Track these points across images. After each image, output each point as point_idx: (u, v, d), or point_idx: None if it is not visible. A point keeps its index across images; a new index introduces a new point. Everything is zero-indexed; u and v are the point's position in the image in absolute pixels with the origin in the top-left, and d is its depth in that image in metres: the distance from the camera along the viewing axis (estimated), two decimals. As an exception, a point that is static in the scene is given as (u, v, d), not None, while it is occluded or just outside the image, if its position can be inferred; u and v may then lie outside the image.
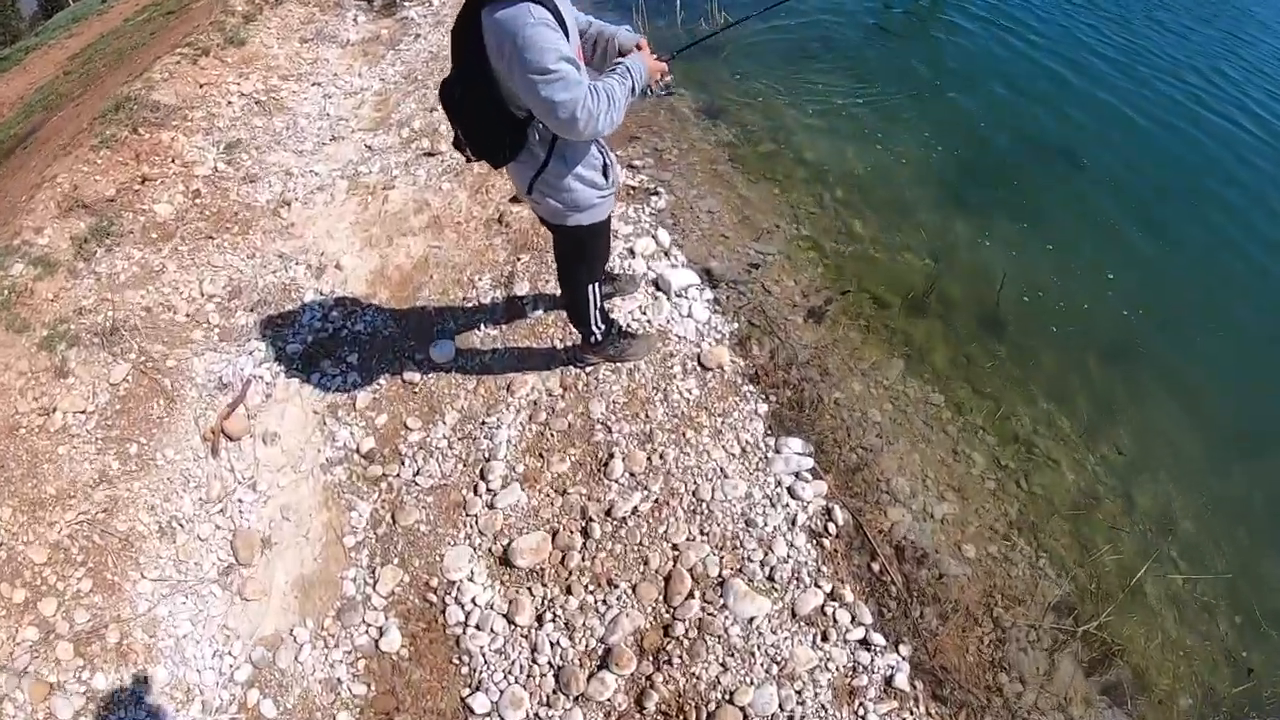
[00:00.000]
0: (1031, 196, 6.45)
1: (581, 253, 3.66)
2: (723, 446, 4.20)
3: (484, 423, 4.39)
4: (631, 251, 5.18)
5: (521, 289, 5.01)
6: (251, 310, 5.10)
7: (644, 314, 4.78)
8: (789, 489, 4.02)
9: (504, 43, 2.49)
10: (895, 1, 9.77)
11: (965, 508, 4.22)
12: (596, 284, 3.90)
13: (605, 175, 3.21)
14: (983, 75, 8.04)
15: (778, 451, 4.18)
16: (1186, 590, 4.05)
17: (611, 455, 4.15)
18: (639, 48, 3.02)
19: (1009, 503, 4.29)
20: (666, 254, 5.24)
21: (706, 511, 3.93)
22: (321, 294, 5.19)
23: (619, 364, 4.47)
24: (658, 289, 4.94)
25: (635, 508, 3.94)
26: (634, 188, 5.85)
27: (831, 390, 4.62)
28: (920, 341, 5.09)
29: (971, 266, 5.71)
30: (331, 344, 4.90)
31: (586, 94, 2.57)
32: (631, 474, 4.07)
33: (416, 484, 4.19)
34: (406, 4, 9.09)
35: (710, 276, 5.12)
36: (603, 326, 4.09)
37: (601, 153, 3.18)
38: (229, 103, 6.91)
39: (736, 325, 4.84)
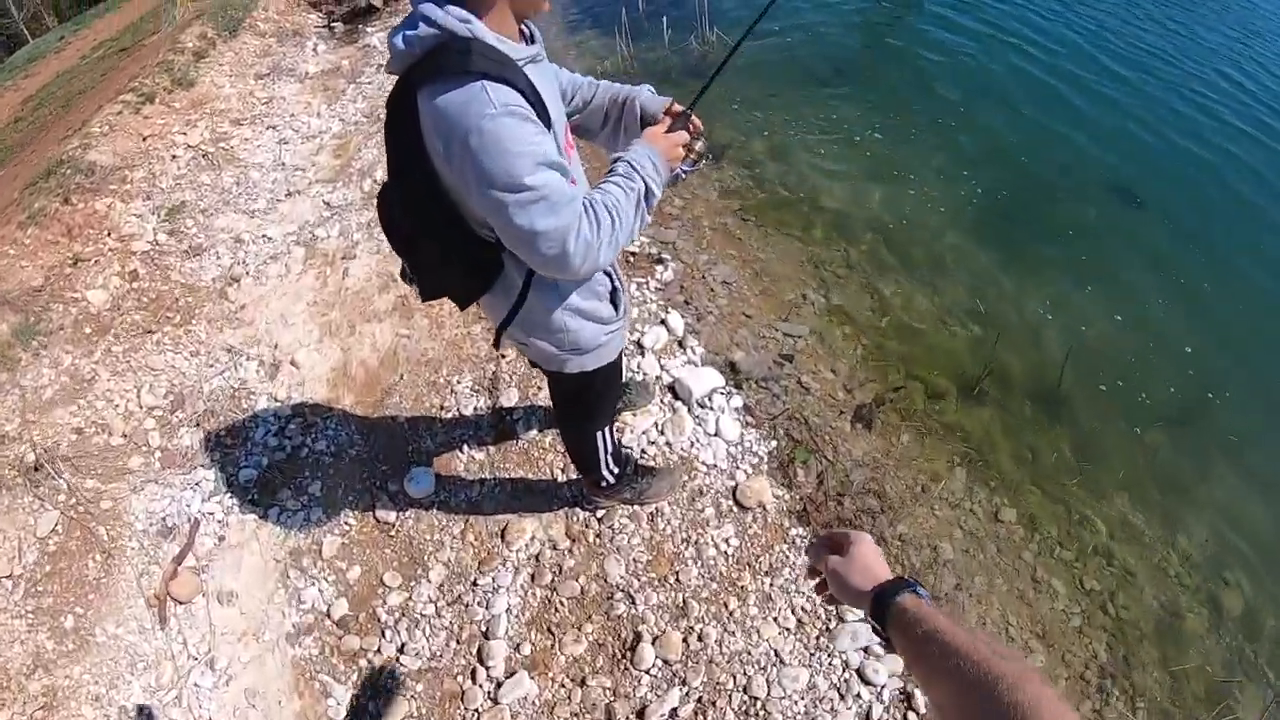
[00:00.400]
0: (1085, 243, 5.82)
1: (586, 402, 2.82)
2: (774, 619, 3.44)
3: (476, 583, 3.61)
4: (640, 346, 4.41)
5: (509, 398, 4.23)
6: (197, 425, 4.29)
7: (662, 434, 4.01)
8: (858, 671, 3.28)
9: (451, 143, 1.66)
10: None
11: (1052, 656, 3.65)
12: (607, 428, 3.09)
13: (614, 303, 2.37)
14: (1008, 93, 7.44)
15: (841, 620, 3.42)
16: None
17: (638, 636, 3.37)
18: (668, 114, 2.16)
19: (1096, 639, 3.77)
20: (681, 345, 4.47)
21: (762, 714, 3.18)
22: (276, 400, 4.39)
23: (638, 506, 3.69)
24: (675, 397, 4.17)
25: (674, 710, 3.17)
26: (634, 254, 5.07)
27: (894, 523, 3.90)
28: (979, 438, 4.45)
29: (1026, 336, 5.08)
30: (290, 468, 4.10)
31: (580, 217, 1.77)
32: (665, 661, 3.30)
33: (402, 664, 3.42)
34: (368, 30, 8.34)
35: (735, 372, 4.37)
36: (615, 470, 3.29)
37: (608, 274, 2.34)
38: (173, 157, 6.09)
39: (775, 443, 4.08)
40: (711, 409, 4.12)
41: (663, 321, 4.58)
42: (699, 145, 2.17)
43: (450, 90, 1.61)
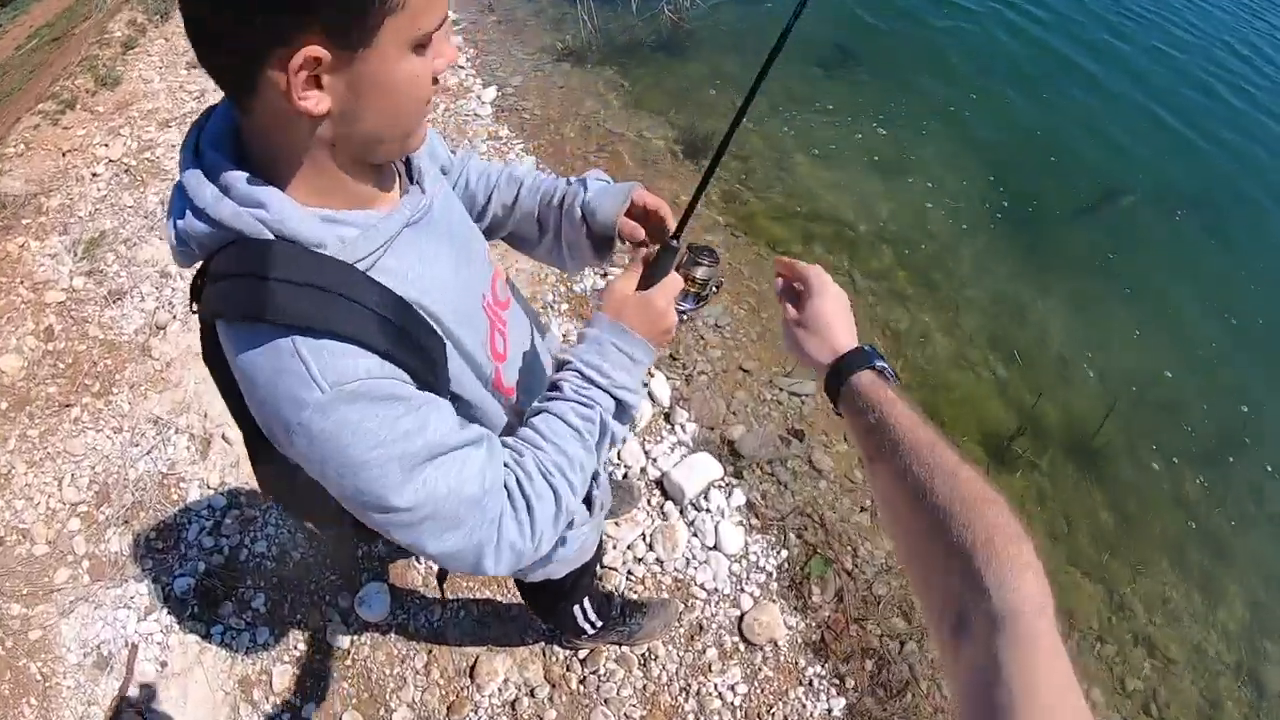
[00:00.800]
0: (1126, 261, 5.29)
1: (558, 591, 2.18)
2: (796, 795, 2.92)
3: (447, 737, 3.06)
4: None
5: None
6: (125, 523, 3.63)
7: (651, 549, 3.41)
8: None
9: (274, 431, 1.00)
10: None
11: None
12: (586, 599, 2.47)
13: (590, 500, 1.68)
14: (1032, 74, 6.79)
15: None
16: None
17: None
18: (643, 229, 1.45)
19: None
20: (669, 419, 3.84)
21: None
22: (209, 487, 3.74)
23: (626, 648, 3.14)
24: (665, 496, 3.56)
25: None
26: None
27: (925, 648, 3.35)
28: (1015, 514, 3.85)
29: (1061, 379, 4.57)
30: (230, 575, 3.47)
31: (499, 520, 1.11)
32: None
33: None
34: None
35: (735, 456, 3.75)
36: (598, 624, 2.68)
37: None
38: (93, 176, 5.29)
39: (785, 553, 3.50)
40: (709, 511, 3.52)
41: (645, 386, 3.93)
42: (700, 271, 1.38)
43: (248, 350, 0.95)
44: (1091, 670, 3.57)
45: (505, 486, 1.12)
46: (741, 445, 3.77)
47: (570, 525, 1.64)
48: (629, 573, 3.34)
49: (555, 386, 1.23)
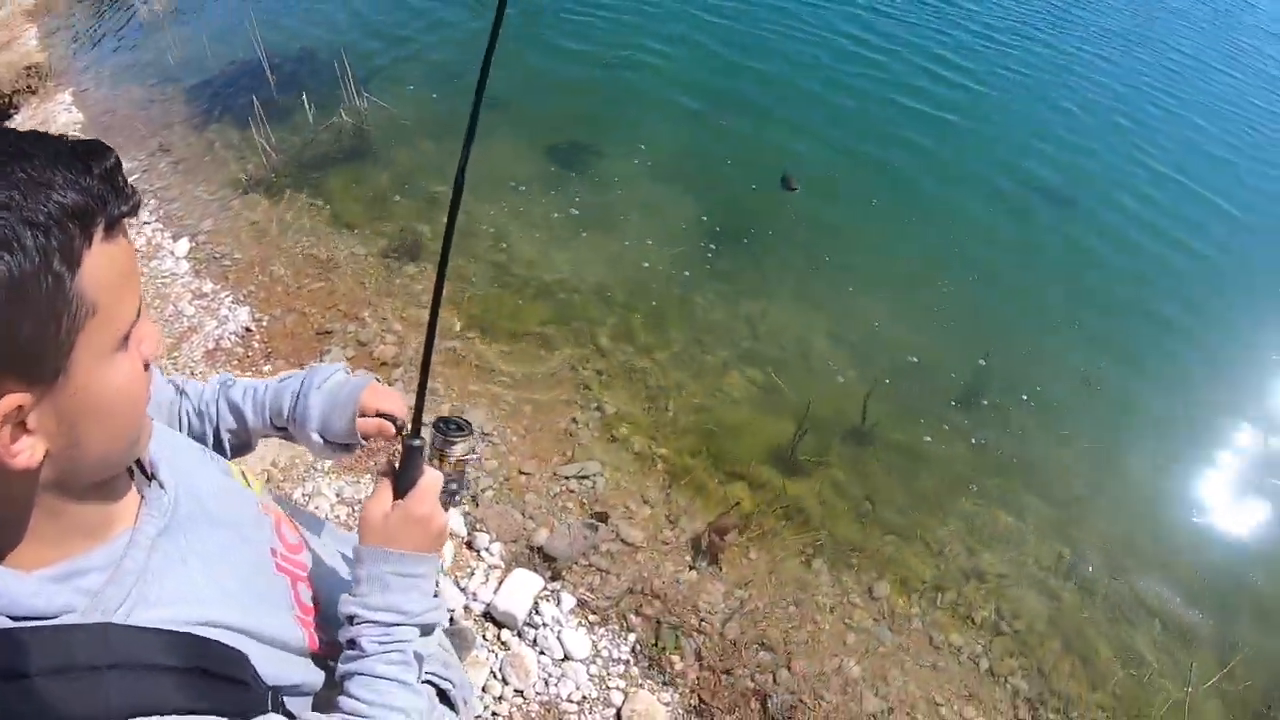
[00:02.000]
0: (842, 256, 5.82)
1: None
2: None
3: None
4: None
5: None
6: None
7: (506, 683, 3.29)
8: None
9: None
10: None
11: (985, 713, 3.56)
12: None
13: (451, 704, 1.48)
14: (683, 99, 7.32)
15: None
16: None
17: None
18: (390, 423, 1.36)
19: (1010, 672, 3.73)
20: (473, 547, 3.75)
21: None
22: None
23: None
24: (499, 626, 3.46)
25: None
26: (367, 437, 4.22)
27: (796, 667, 3.49)
28: (818, 514, 4.18)
29: (818, 379, 4.88)
30: None
31: None
32: None
33: None
34: None
35: (548, 560, 3.70)
36: None
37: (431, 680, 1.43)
38: None
39: (633, 635, 3.49)
40: (546, 625, 3.44)
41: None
42: (459, 446, 1.29)
43: None
44: (942, 620, 3.81)
45: None
46: (550, 548, 3.71)
47: None
48: (493, 714, 3.22)
49: (354, 643, 1.12)
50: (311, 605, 1.19)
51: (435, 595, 1.19)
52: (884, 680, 3.53)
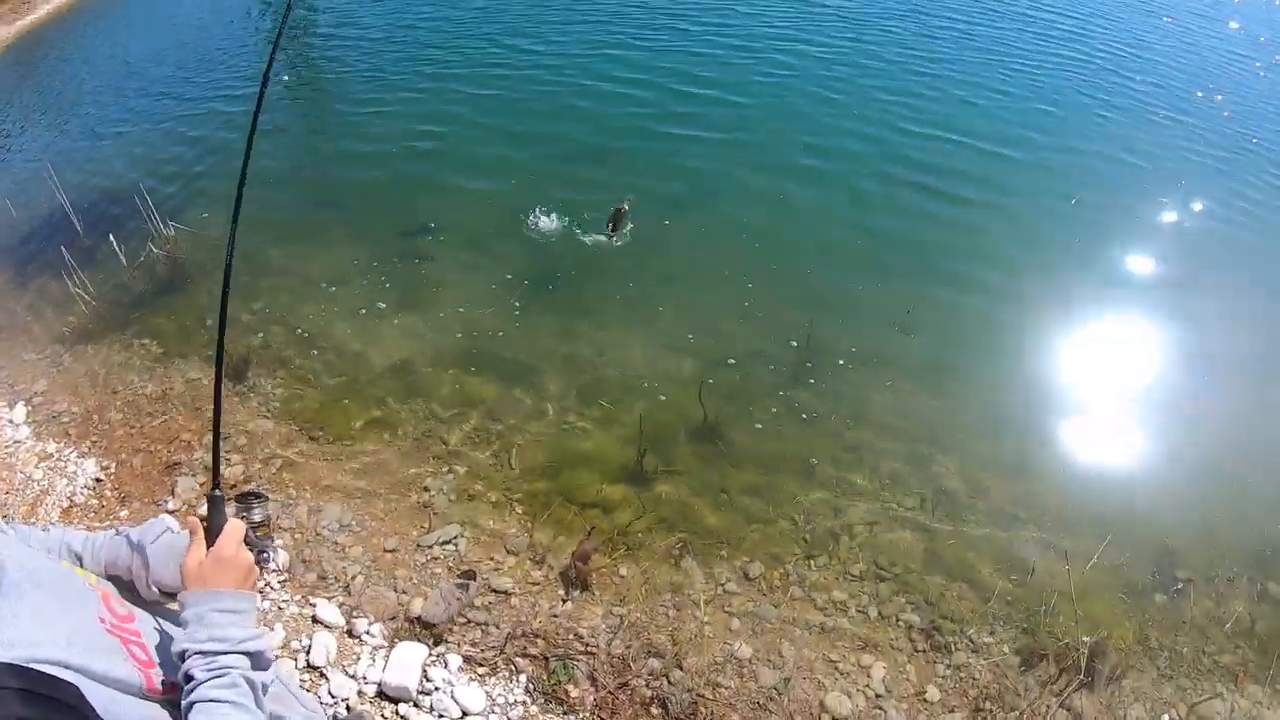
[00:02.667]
0: (644, 276, 6.20)
1: None
2: None
3: None
4: (314, 669, 3.67)
5: None
6: None
7: (412, 758, 3.38)
8: None
9: None
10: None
11: (886, 658, 3.79)
12: None
13: None
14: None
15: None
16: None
17: None
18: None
19: (898, 609, 4.01)
20: (354, 635, 3.82)
21: None
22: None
23: None
24: (393, 702, 3.53)
25: None
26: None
27: (687, 664, 3.65)
28: (679, 515, 4.41)
29: (649, 394, 5.15)
30: None
31: None
32: None
33: None
34: None
35: (429, 627, 3.79)
36: None
37: None
38: None
39: (524, 676, 3.61)
40: (439, 688, 3.53)
41: (315, 619, 3.88)
42: (258, 512, 1.56)
43: None
44: (822, 581, 4.03)
45: None
46: (427, 615, 3.81)
47: None
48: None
49: (189, 677, 1.26)
50: (148, 659, 1.32)
51: (252, 635, 1.33)
52: (777, 654, 3.71)
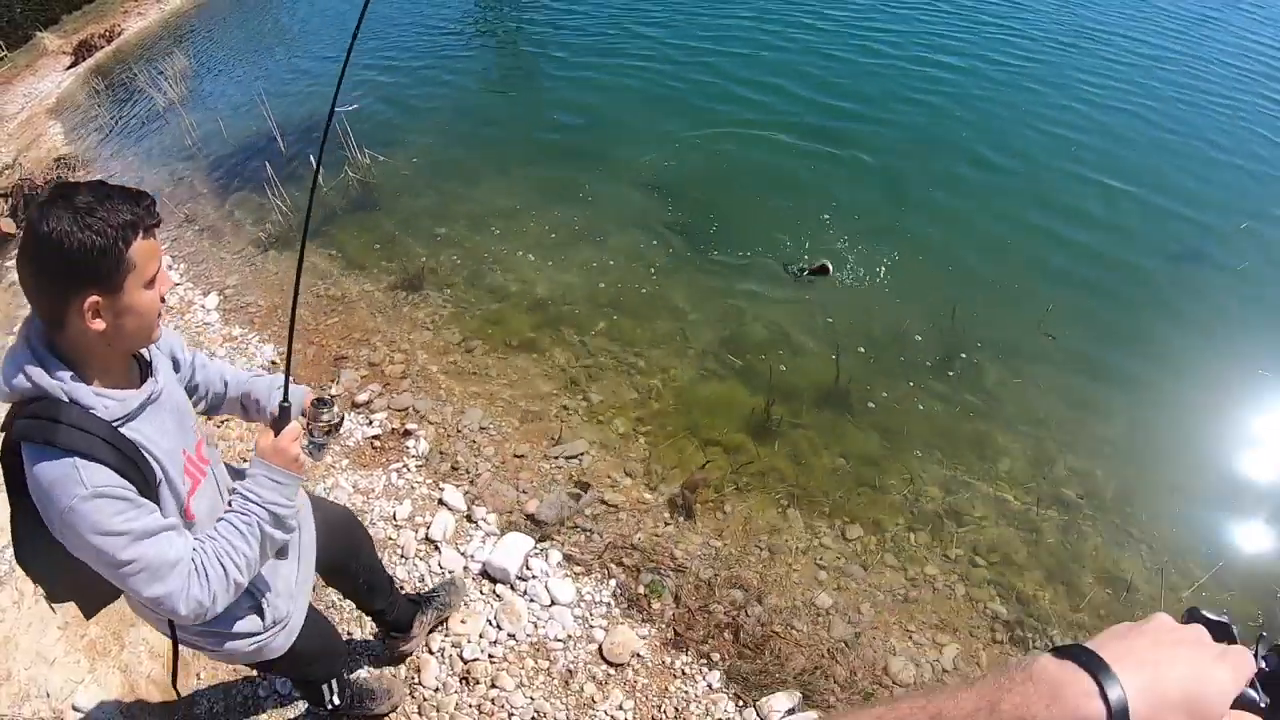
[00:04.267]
0: (793, 222, 6.45)
1: (307, 678, 2.97)
2: (708, 766, 3.34)
3: None
4: (431, 541, 4.15)
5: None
6: None
7: (500, 628, 3.77)
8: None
9: (49, 512, 1.71)
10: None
11: (961, 638, 3.84)
12: (333, 681, 3.03)
13: (261, 613, 2.32)
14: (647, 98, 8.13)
15: (771, 730, 3.37)
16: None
17: None
18: (302, 413, 2.25)
19: (986, 597, 4.02)
20: (471, 519, 4.27)
21: None
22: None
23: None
24: (493, 581, 3.96)
25: None
26: (378, 438, 4.82)
27: (767, 602, 3.88)
28: (793, 470, 4.60)
29: (785, 345, 5.38)
30: None
31: (190, 577, 1.83)
32: None
33: None
34: (8, 263, 8.02)
35: (539, 524, 4.20)
36: (337, 703, 3.08)
37: (249, 590, 2.26)
38: None
39: (613, 581, 3.95)
40: (535, 576, 3.94)
41: (441, 502, 4.36)
42: (325, 415, 2.26)
43: (42, 461, 1.67)
44: (918, 556, 4.17)
45: (191, 559, 1.83)
46: (540, 515, 4.22)
47: (250, 635, 2.30)
48: (490, 656, 3.70)
49: (229, 504, 2.00)
50: (191, 490, 2.02)
51: (289, 504, 2.03)
52: (855, 610, 3.88)
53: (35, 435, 1.67)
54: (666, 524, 4.24)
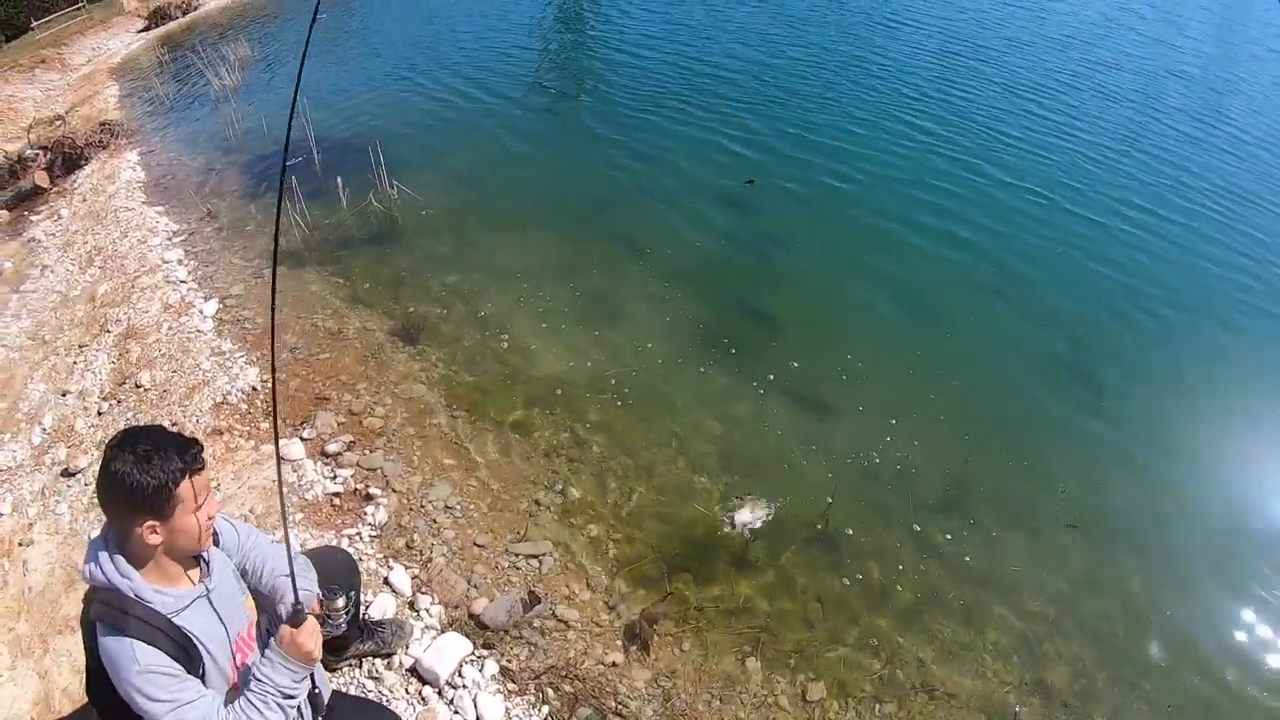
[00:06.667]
0: (812, 348, 6.23)
1: None
2: None
3: None
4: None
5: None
6: None
7: (412, 740, 3.58)
8: None
9: (114, 678, 2.16)
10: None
11: None
12: None
13: None
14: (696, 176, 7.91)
15: None
16: None
17: None
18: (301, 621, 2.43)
19: None
20: (414, 609, 4.08)
21: None
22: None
23: None
24: (421, 681, 3.76)
25: None
26: (339, 495, 4.66)
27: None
28: (763, 611, 4.37)
29: (781, 473, 5.17)
30: None
31: None
32: None
33: None
34: (34, 219, 8.03)
35: (482, 628, 4.00)
36: None
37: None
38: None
39: (547, 708, 3.74)
40: (466, 686, 3.73)
41: (387, 582, 4.18)
42: (340, 602, 2.64)
43: (110, 637, 2.13)
44: None
45: None
46: (486, 617, 4.02)
47: None
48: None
49: (247, 683, 2.30)
50: (239, 667, 2.40)
51: (297, 686, 2.33)
52: (804, 785, 3.63)
53: (108, 619, 2.14)
54: (615, 647, 4.04)
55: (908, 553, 4.74)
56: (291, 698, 2.33)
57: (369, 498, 4.68)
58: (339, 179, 7.65)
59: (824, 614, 4.40)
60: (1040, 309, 6.83)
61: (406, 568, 4.30)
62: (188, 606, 2.26)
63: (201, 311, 6.44)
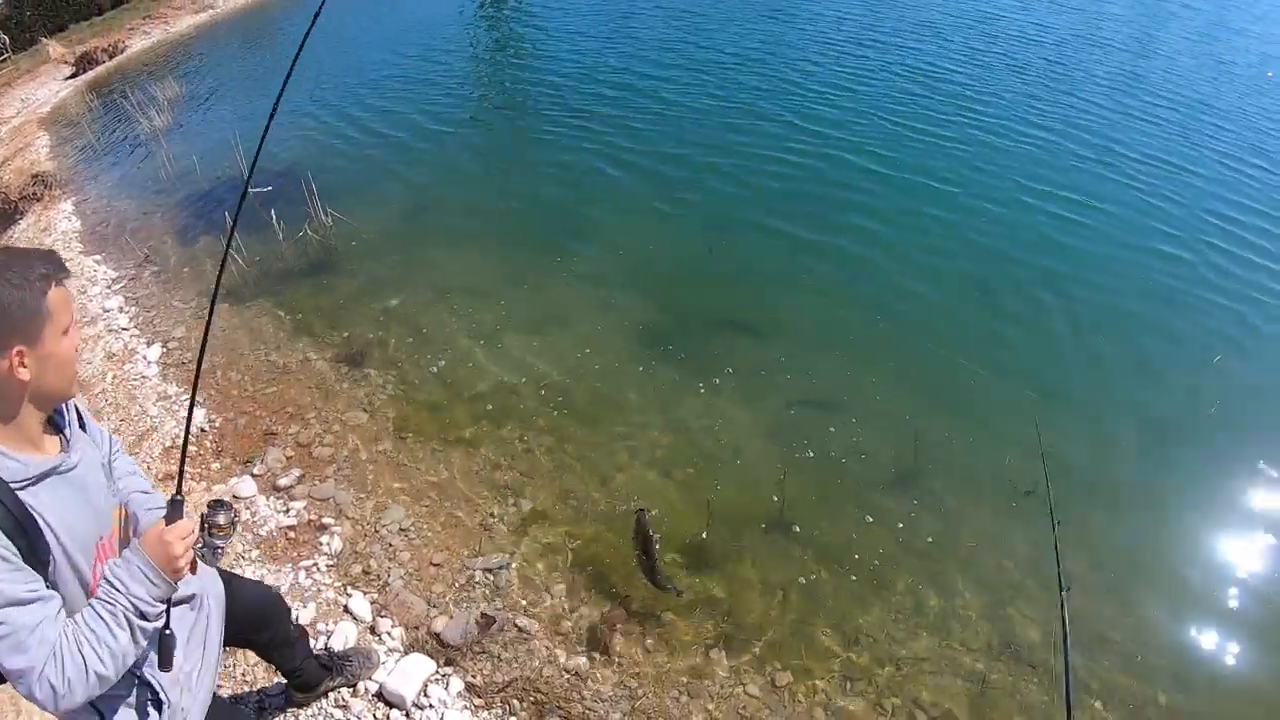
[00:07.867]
0: (750, 340, 6.28)
1: None
2: None
3: None
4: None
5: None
6: None
7: (384, 767, 3.59)
8: None
9: None
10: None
11: None
12: None
13: (157, 707, 2.18)
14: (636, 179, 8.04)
15: None
16: None
17: None
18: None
19: None
20: (376, 633, 4.08)
21: None
22: None
23: None
24: (388, 705, 3.76)
25: None
26: (293, 529, 4.64)
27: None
28: (724, 601, 4.40)
29: (730, 462, 5.23)
30: None
31: (49, 658, 1.75)
32: None
33: None
34: None
35: (444, 646, 4.02)
36: None
37: (145, 682, 2.17)
38: None
39: (513, 719, 3.76)
40: (432, 706, 3.74)
41: (347, 609, 4.18)
42: (222, 518, 2.53)
43: None
44: (849, 707, 3.93)
45: (56, 642, 1.75)
46: (447, 635, 4.04)
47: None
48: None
49: (99, 589, 1.90)
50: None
51: (154, 605, 1.93)
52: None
53: None
54: (581, 657, 4.05)
55: (866, 533, 4.78)
56: (145, 617, 1.90)
57: (323, 528, 4.67)
58: (273, 211, 7.65)
59: (786, 601, 4.42)
60: (971, 284, 7.01)
61: (365, 593, 4.29)
62: (37, 481, 1.86)
63: (145, 357, 6.41)
